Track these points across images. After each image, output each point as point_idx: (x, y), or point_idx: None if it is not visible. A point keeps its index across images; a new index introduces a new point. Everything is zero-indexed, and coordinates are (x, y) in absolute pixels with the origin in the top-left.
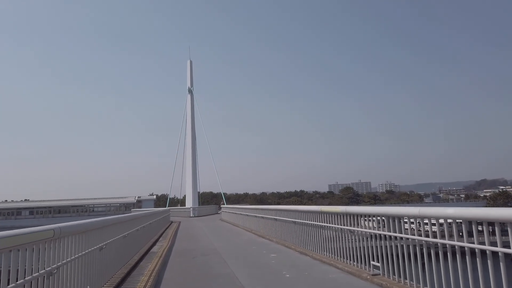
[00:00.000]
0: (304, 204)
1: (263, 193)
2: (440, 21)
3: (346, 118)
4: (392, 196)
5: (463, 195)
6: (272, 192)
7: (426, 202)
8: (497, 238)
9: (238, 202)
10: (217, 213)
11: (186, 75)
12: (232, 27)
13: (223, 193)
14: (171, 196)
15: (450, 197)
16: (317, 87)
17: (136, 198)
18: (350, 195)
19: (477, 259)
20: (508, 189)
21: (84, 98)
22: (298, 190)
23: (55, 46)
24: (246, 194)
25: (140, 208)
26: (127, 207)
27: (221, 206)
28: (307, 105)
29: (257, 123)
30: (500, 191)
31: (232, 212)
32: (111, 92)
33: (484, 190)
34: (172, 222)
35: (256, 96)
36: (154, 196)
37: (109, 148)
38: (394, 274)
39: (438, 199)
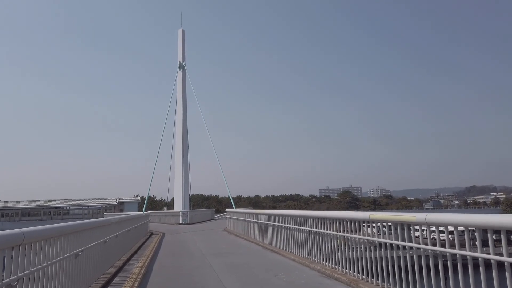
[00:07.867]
0: (303, 208)
1: (257, 196)
2: (435, 29)
3: (339, 123)
4: (391, 201)
5: (456, 201)
6: (266, 196)
7: (427, 208)
8: None
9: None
10: (213, 219)
11: (176, 47)
12: (225, 29)
13: (219, 196)
14: (158, 198)
15: (451, 203)
16: (311, 92)
17: (118, 200)
18: (349, 200)
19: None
20: (499, 196)
21: (61, 98)
22: (294, 194)
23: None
24: (239, 197)
25: (122, 211)
26: (107, 209)
27: (226, 210)
28: (300, 109)
29: (248, 126)
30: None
31: (255, 221)
32: (92, 92)
33: (476, 197)
34: (152, 234)
35: (249, 100)
36: (138, 198)
37: (94, 149)
38: None
39: (438, 205)
